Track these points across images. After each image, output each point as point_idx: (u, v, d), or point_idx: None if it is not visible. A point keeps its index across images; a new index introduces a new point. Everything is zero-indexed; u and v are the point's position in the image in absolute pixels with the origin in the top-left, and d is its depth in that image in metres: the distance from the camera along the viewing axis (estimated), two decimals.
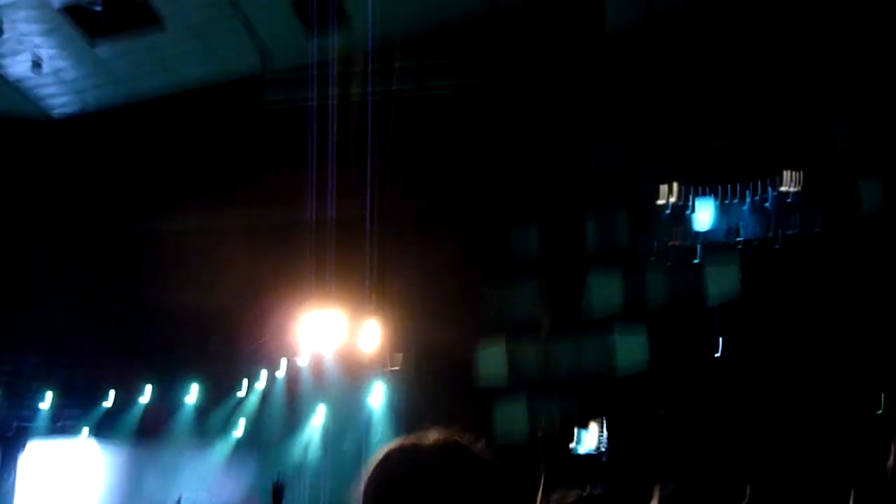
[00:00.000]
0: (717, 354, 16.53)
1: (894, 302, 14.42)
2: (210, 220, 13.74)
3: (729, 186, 19.37)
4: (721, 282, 15.26)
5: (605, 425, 14.47)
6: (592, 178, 14.22)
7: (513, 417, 13.73)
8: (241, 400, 14.43)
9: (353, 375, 13.85)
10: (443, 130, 13.98)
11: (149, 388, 14.39)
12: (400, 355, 13.96)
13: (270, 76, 13.20)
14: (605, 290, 14.25)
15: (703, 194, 20.26)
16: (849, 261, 15.77)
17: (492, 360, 13.99)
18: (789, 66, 13.24)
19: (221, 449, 14.26)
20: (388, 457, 1.68)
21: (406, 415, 13.85)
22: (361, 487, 1.66)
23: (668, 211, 20.83)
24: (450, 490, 1.60)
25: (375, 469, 1.66)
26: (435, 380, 13.82)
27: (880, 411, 13.73)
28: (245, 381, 14.31)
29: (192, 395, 14.37)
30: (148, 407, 14.35)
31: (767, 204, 22.30)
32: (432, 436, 1.69)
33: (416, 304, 13.49)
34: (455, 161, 14.10)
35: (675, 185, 17.20)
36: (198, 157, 13.73)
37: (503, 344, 13.96)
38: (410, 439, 1.69)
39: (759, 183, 20.34)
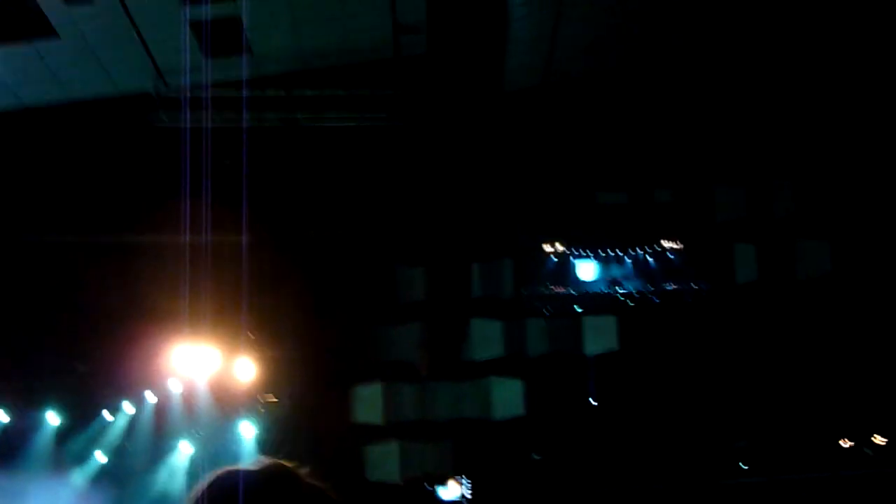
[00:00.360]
0: (593, 402, 16.99)
1: (760, 360, 15.20)
2: (82, 238, 13.25)
3: (613, 241, 20.27)
4: (599, 332, 15.62)
5: (469, 473, 14.66)
6: (480, 225, 14.39)
7: (385, 457, 13.77)
8: (106, 427, 13.92)
9: (225, 408, 13.56)
10: (337, 164, 13.97)
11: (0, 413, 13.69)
12: (272, 392, 13.76)
13: (162, 96, 12.94)
14: (485, 336, 14.42)
15: (588, 247, 21.03)
16: (722, 319, 16.54)
17: (369, 398, 13.95)
18: (675, 134, 13.83)
19: (79, 477, 13.68)
20: (215, 481, 1.73)
21: (277, 449, 13.63)
22: None
23: (553, 260, 21.47)
24: None
25: (201, 492, 1.71)
26: (309, 415, 13.74)
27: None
28: (111, 408, 13.81)
29: (52, 419, 13.75)
30: (2, 430, 13.67)
31: (650, 259, 23.20)
32: (260, 462, 1.77)
33: (295, 339, 13.37)
34: (345, 196, 14.10)
35: (559, 238, 17.59)
36: (78, 171, 13.26)
37: (381, 384, 13.96)
38: (239, 465, 1.75)
39: (641, 240, 21.30)
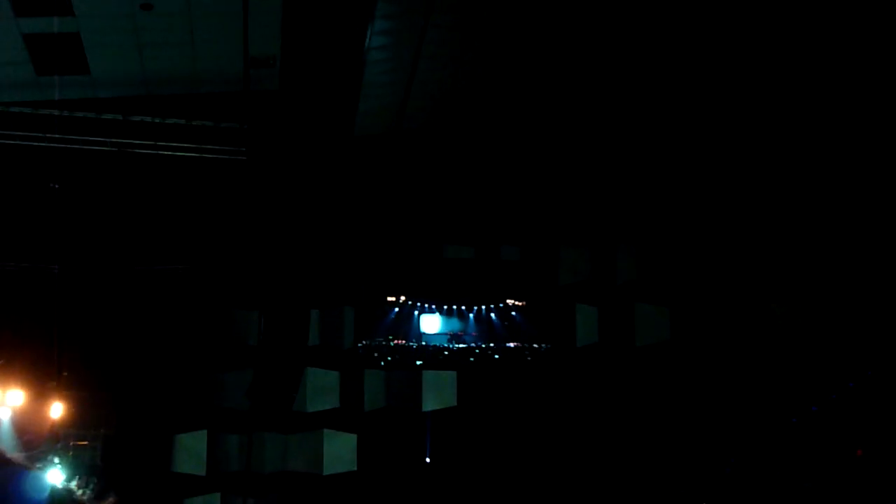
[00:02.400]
0: (427, 459, 17.17)
1: (595, 421, 15.84)
2: None
3: (458, 296, 20.86)
4: (439, 387, 15.63)
5: None
6: (321, 271, 14.41)
7: None
8: None
9: (30, 450, 12.94)
10: (173, 196, 13.72)
11: None
12: (84, 435, 13.22)
13: None
14: (320, 386, 14.28)
15: (432, 301, 21.51)
16: (561, 379, 17.20)
17: (191, 447, 13.54)
18: (525, 192, 14.37)
19: None
20: None
21: (91, 494, 13.13)
22: None
23: (395, 312, 21.76)
24: None
25: None
26: (127, 461, 13.36)
27: None
28: None
29: None
30: None
31: (493, 316, 23.80)
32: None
33: (112, 380, 12.92)
34: (180, 231, 13.85)
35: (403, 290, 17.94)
36: None
37: (205, 432, 13.61)
38: None
39: (486, 297, 21.98)
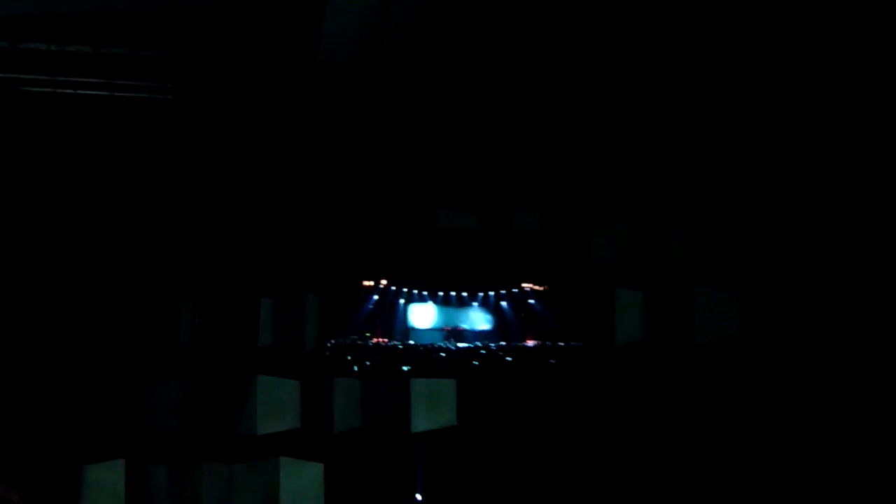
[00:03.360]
0: (417, 497, 17.35)
1: (643, 446, 16.04)
2: None
3: (457, 279, 20.99)
4: (433, 401, 15.75)
5: None
6: (274, 246, 14.62)
7: None
8: None
9: None
10: (78, 146, 13.98)
11: None
12: None
13: None
14: (275, 401, 14.40)
15: (423, 286, 21.62)
16: (597, 389, 17.40)
17: (106, 481, 13.65)
18: (544, 139, 14.55)
19: None
20: None
21: None
22: None
23: (374, 301, 21.90)
24: None
25: None
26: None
27: None
28: None
29: None
30: None
31: (506, 305, 23.96)
32: None
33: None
34: (87, 191, 14.01)
35: (385, 272, 18.27)
36: None
37: (123, 462, 13.68)
38: None
39: (495, 279, 22.09)
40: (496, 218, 15.65)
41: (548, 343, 22.51)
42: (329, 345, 20.06)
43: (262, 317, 14.80)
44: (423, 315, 24.04)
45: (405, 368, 20.33)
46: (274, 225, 14.71)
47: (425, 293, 24.03)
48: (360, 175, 15.05)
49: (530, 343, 22.93)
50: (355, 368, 19.85)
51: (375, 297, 23.87)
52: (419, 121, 14.33)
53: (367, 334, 23.23)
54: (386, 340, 23.32)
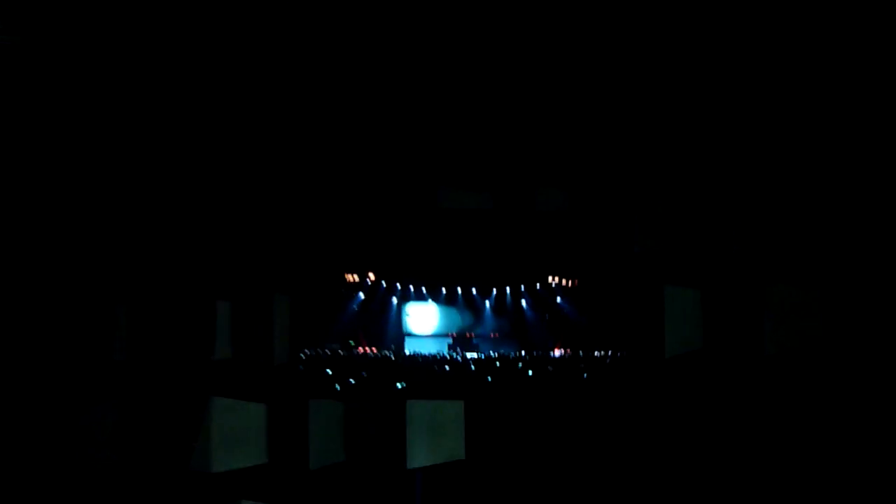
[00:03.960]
0: None
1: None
2: None
3: (465, 273, 20.69)
4: (436, 429, 15.68)
5: None
6: (230, 231, 14.65)
7: None
8: None
9: None
10: None
11: None
12: None
13: None
14: (236, 429, 14.32)
15: (423, 281, 21.29)
16: (645, 408, 17.36)
17: None
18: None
19: None
20: None
21: None
22: None
23: (360, 300, 21.58)
24: None
25: None
26: None
27: None
28: None
29: None
30: None
31: (526, 304, 23.75)
32: None
33: None
34: None
35: (374, 265, 18.46)
36: None
37: None
38: None
39: (512, 273, 21.80)
40: (513, 196, 15.50)
41: (579, 352, 22.26)
42: (303, 357, 19.92)
43: (218, 323, 14.71)
44: (422, 318, 23.89)
45: (400, 386, 20.28)
46: (230, 206, 14.82)
47: (424, 290, 23.79)
48: (342, 140, 15.05)
49: (557, 352, 22.76)
50: (337, 387, 19.79)
51: (361, 295, 23.72)
52: (414, 77, 14.20)
53: (351, 342, 23.06)
54: (374, 350, 23.13)
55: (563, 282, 23.23)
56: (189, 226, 14.52)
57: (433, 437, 14.96)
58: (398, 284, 23.58)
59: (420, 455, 14.78)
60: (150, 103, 13.48)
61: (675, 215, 14.96)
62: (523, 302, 24.08)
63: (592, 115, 14.68)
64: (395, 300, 23.66)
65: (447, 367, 22.39)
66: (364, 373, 21.44)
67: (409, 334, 24.17)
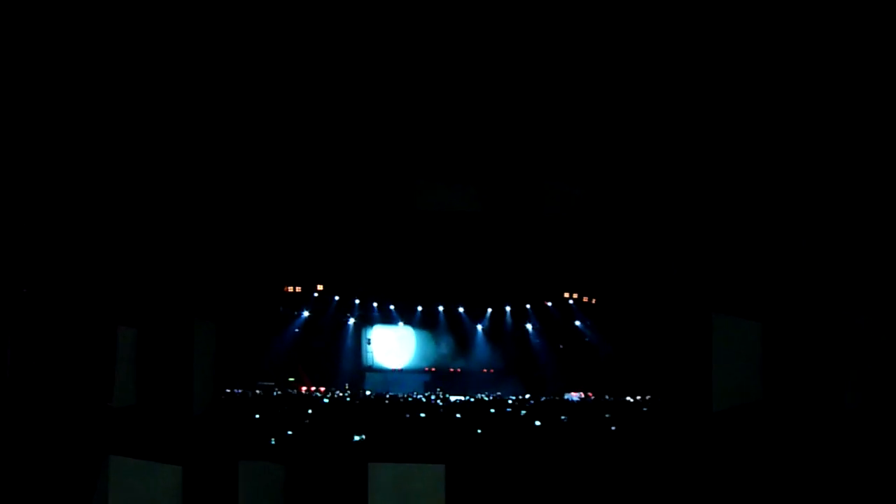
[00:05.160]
0: None
1: None
2: None
3: (448, 288, 21.21)
4: (405, 501, 16.12)
5: None
6: (134, 243, 15.30)
7: None
8: None
9: None
10: None
11: None
12: None
13: None
14: (141, 498, 15.08)
15: (393, 297, 21.80)
16: (686, 476, 18.01)
17: None
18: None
19: None
20: None
21: None
22: None
23: (302, 317, 22.14)
24: None
25: None
26: None
27: None
28: None
29: None
30: None
31: (532, 329, 24.33)
32: None
33: None
34: None
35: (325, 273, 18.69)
36: None
37: None
38: None
39: (510, 288, 22.15)
40: (511, 192, 16.13)
41: (605, 396, 22.51)
42: (228, 394, 20.21)
43: (118, 356, 15.47)
44: (389, 346, 24.19)
45: (358, 439, 20.63)
46: (135, 199, 15.41)
47: (393, 308, 24.13)
48: (282, 117, 15.63)
49: (575, 396, 23.13)
50: (272, 441, 20.08)
51: (305, 313, 24.04)
52: (382, 47, 14.92)
53: (291, 379, 23.31)
54: (323, 390, 23.47)
55: (584, 299, 23.56)
56: (79, 227, 15.32)
57: None
58: (356, 300, 23.71)
59: None
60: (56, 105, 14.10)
61: (722, 227, 15.73)
62: (528, 326, 24.40)
63: (612, 97, 15.57)
64: (351, 321, 23.91)
65: (423, 415, 22.58)
66: (307, 423, 21.77)
67: (372, 368, 24.39)
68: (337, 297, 23.39)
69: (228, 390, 20.84)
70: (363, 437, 20.17)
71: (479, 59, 15.28)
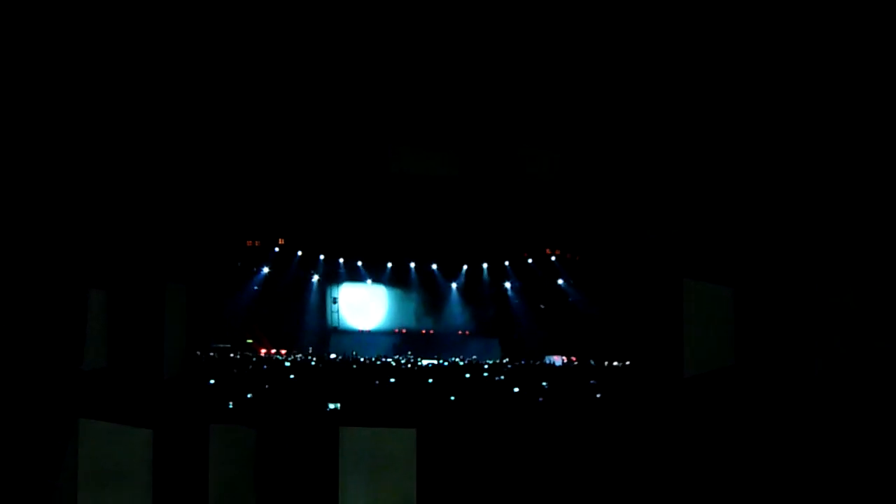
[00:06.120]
0: None
1: None
2: None
3: (423, 245, 21.79)
4: (377, 471, 18.17)
5: None
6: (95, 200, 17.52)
7: None
8: None
9: None
10: None
11: None
12: None
13: None
14: (112, 464, 17.45)
15: (362, 253, 22.56)
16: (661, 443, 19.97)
17: None
18: None
19: None
20: None
21: None
22: None
23: (261, 273, 22.65)
24: None
25: None
26: None
27: None
28: None
29: None
30: None
31: (510, 288, 25.38)
32: None
33: None
34: None
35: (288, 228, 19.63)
36: None
37: None
38: None
39: (488, 243, 22.87)
40: (489, 159, 18.00)
41: (589, 361, 23.03)
42: (201, 356, 21.63)
43: (89, 319, 17.45)
44: (357, 305, 24.78)
45: (332, 407, 22.46)
46: (102, 160, 17.67)
47: (361, 265, 24.82)
48: (240, 66, 17.92)
49: (557, 360, 23.83)
50: (230, 405, 22.06)
51: (265, 269, 24.77)
52: None
53: (249, 341, 24.12)
54: (284, 352, 23.80)
55: (568, 255, 24.31)
56: (48, 189, 17.28)
57: (374, 478, 17.52)
58: (321, 256, 24.14)
59: (357, 500, 17.43)
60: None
61: (705, 188, 17.54)
62: (507, 284, 24.87)
63: (591, 51, 17.58)
64: (315, 279, 24.25)
65: (392, 379, 23.95)
66: (268, 387, 23.43)
67: (338, 329, 24.53)
68: (300, 253, 24.07)
69: (207, 352, 22.15)
70: (338, 405, 22.07)
71: (456, 20, 17.24)
